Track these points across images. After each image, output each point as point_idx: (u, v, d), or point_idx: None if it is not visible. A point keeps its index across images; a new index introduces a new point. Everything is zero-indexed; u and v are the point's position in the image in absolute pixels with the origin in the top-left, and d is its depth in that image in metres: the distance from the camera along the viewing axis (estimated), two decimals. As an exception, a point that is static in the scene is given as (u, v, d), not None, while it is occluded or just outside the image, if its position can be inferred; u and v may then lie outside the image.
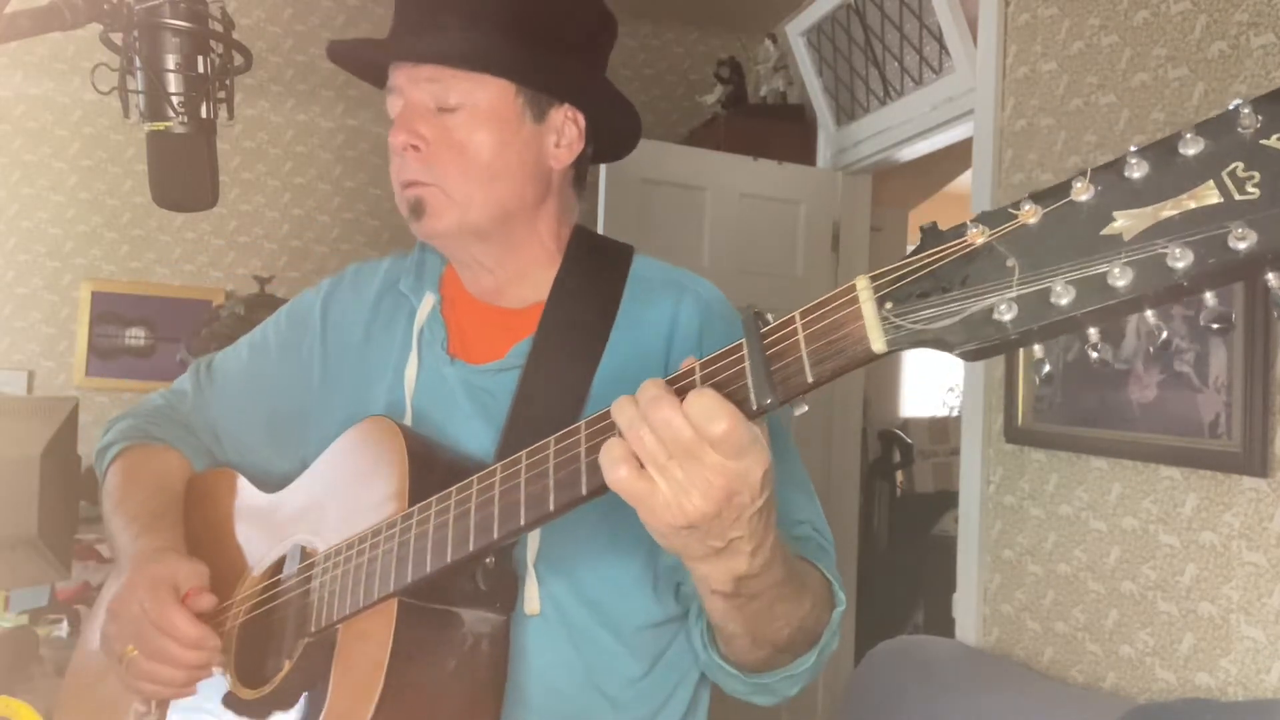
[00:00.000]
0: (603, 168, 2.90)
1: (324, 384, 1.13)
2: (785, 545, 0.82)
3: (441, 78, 1.00)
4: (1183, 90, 1.83)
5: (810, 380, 0.66)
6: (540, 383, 1.01)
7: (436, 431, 1.02)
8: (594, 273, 1.08)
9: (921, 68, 2.82)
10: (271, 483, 1.14)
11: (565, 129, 1.06)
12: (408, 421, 1.03)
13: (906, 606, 4.10)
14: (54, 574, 1.90)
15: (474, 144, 1.00)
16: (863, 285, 0.64)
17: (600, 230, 2.88)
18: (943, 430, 4.62)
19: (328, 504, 1.02)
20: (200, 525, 1.13)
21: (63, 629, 2.06)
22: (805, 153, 3.40)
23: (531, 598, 0.96)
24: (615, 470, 0.71)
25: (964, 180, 3.99)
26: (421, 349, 1.07)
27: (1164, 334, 0.57)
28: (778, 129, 3.44)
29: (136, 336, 3.68)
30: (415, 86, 1.01)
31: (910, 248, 0.66)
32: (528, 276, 1.08)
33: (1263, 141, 0.53)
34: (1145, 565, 1.85)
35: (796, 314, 0.68)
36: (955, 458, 2.74)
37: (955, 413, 4.64)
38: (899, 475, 4.46)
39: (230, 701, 1.00)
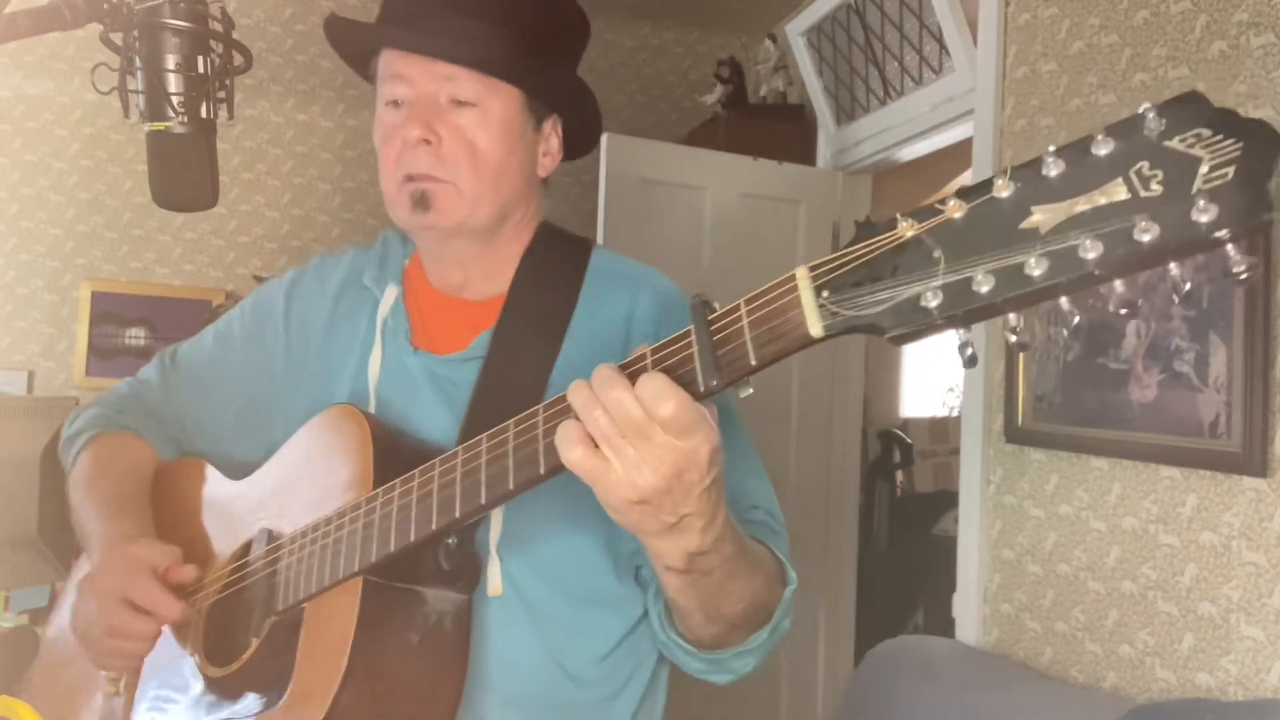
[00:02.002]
0: (602, 168, 2.90)
1: (287, 373, 1.16)
2: (736, 524, 0.86)
3: (459, 77, 1.03)
4: (1182, 90, 1.82)
5: (754, 363, 0.71)
6: (501, 372, 1.04)
7: (400, 419, 1.05)
8: (554, 266, 1.12)
9: (921, 68, 2.82)
10: (240, 471, 1.16)
11: (551, 138, 1.12)
12: (371, 410, 1.06)
13: (906, 606, 4.10)
14: (54, 574, 1.90)
15: (484, 144, 1.04)
16: (802, 275, 0.69)
17: (600, 230, 2.89)
18: (943, 430, 4.61)
19: (293, 489, 1.05)
20: (169, 514, 1.15)
21: (63, 629, 2.06)
22: (805, 153, 3.40)
23: (494, 579, 0.99)
24: (571, 450, 0.75)
25: (964, 180, 3.99)
26: (385, 340, 1.10)
27: (1076, 318, 0.62)
28: (778, 129, 3.44)
29: (136, 336, 3.67)
30: (430, 80, 1.03)
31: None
32: (496, 273, 1.12)
33: (1165, 143, 0.58)
34: (1145, 565, 1.85)
35: (742, 301, 0.72)
36: (955, 458, 2.74)
37: (955, 413, 4.64)
38: (899, 475, 4.45)
39: (199, 680, 1.03)
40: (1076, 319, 0.62)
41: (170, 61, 0.93)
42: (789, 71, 3.54)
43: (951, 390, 4.80)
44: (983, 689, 1.95)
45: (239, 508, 1.11)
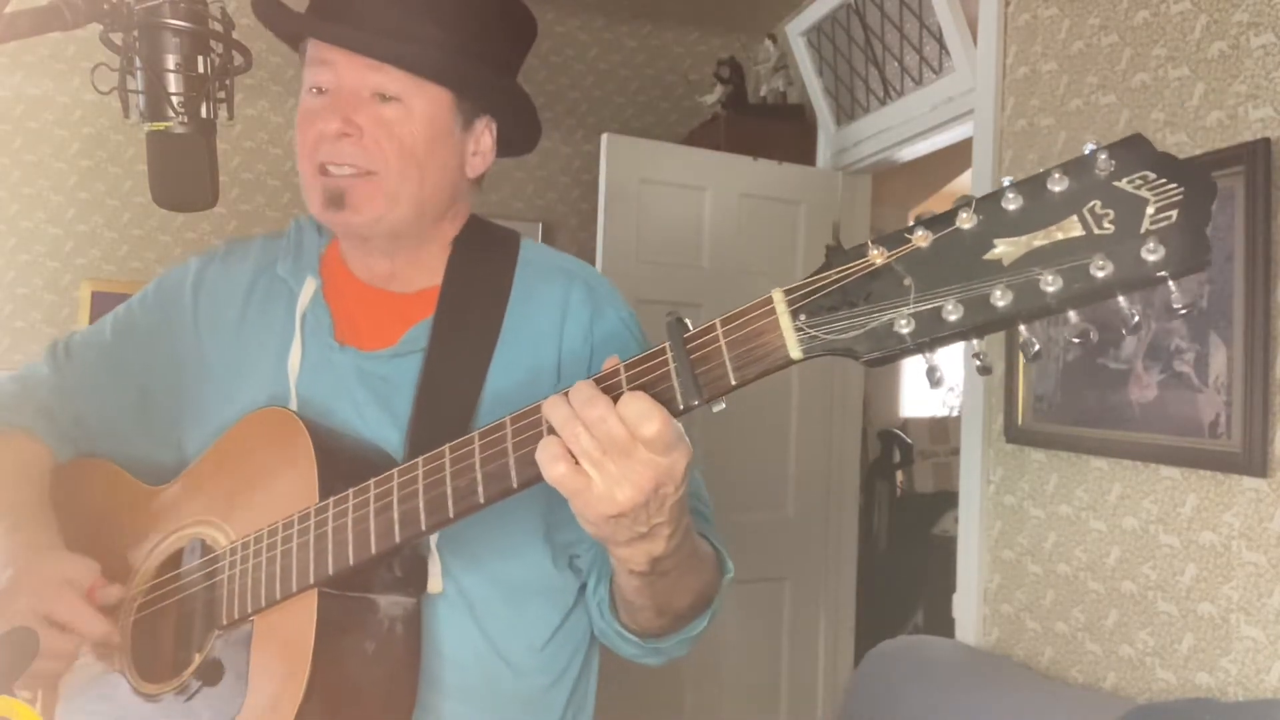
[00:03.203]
0: (603, 168, 2.90)
1: (199, 366, 1.11)
2: (691, 524, 0.88)
3: (385, 69, 1.00)
4: (1183, 90, 1.83)
5: (734, 382, 0.73)
6: (443, 367, 1.02)
7: (326, 417, 1.02)
8: (485, 258, 1.11)
9: (921, 68, 2.82)
10: (148, 472, 1.11)
11: (482, 138, 1.09)
12: (293, 409, 1.03)
13: (906, 606, 4.11)
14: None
15: (407, 141, 1.01)
16: (779, 298, 0.72)
17: (600, 230, 2.89)
18: (943, 430, 4.62)
19: (227, 497, 1.01)
20: (74, 520, 1.08)
21: (63, 629, 2.06)
22: (805, 153, 3.40)
23: (435, 577, 0.98)
24: (554, 467, 0.76)
25: (964, 180, 3.99)
26: (305, 335, 1.06)
27: (1036, 347, 0.67)
28: (778, 129, 3.44)
29: (136, 336, 3.67)
30: (354, 72, 1.00)
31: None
32: (424, 265, 1.10)
33: (1115, 184, 0.62)
34: (1145, 565, 1.85)
35: (717, 321, 0.74)
36: (955, 458, 2.74)
37: (955, 413, 4.64)
38: (899, 475, 4.46)
39: (133, 697, 0.99)
40: (1036, 348, 0.67)
41: (170, 61, 0.93)
42: (789, 71, 3.54)
43: (951, 390, 4.80)
44: (983, 689, 1.95)
45: (156, 515, 1.06)
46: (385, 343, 1.06)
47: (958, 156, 2.98)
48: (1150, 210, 0.61)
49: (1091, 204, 0.63)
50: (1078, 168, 0.64)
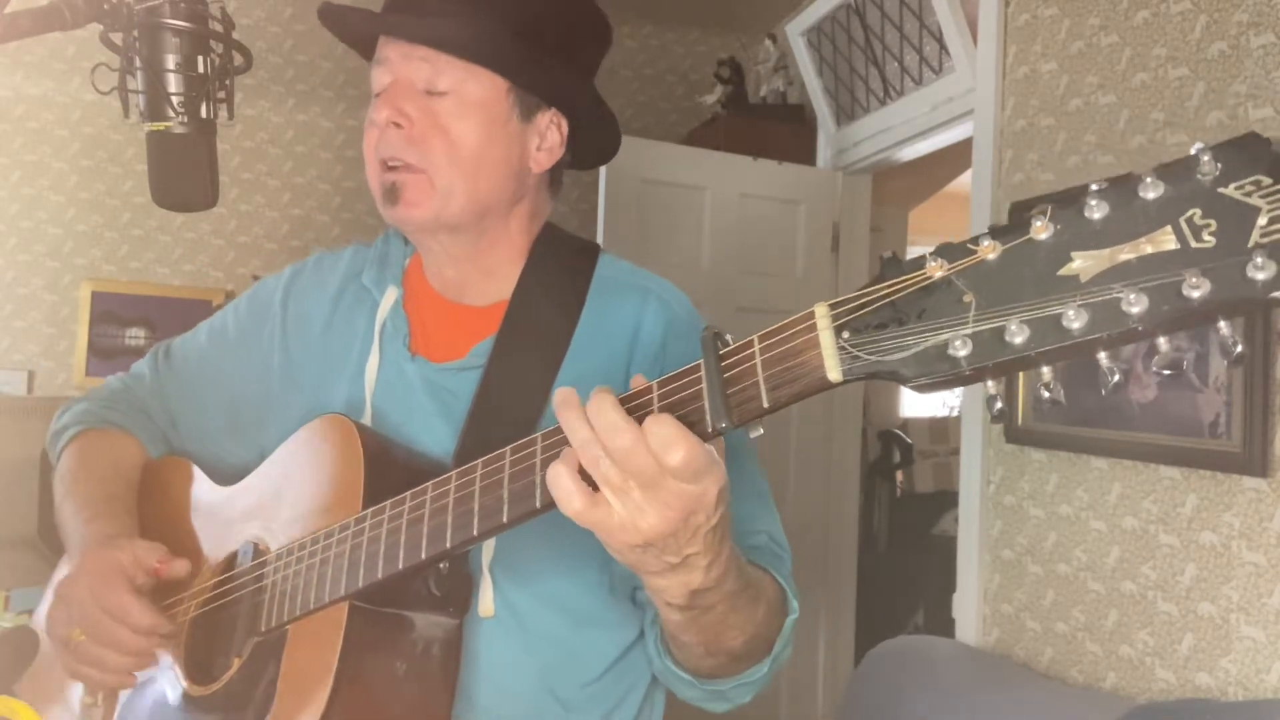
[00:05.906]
0: (603, 168, 2.90)
1: (283, 374, 1.12)
2: (739, 555, 0.83)
3: (435, 60, 0.99)
4: (1183, 90, 1.83)
5: (766, 405, 0.66)
6: (502, 383, 1.00)
7: (396, 430, 1.01)
8: (559, 272, 1.07)
9: (921, 68, 2.82)
10: (228, 473, 1.12)
11: (549, 133, 1.06)
12: (367, 418, 1.02)
13: (906, 606, 4.10)
14: (54, 574, 1.90)
15: (459, 131, 1.00)
16: (822, 313, 0.65)
17: (600, 230, 2.89)
18: (943, 430, 4.62)
19: (282, 501, 1.01)
20: (154, 514, 1.11)
21: (63, 629, 2.06)
22: (805, 153, 3.40)
23: (486, 601, 0.95)
24: (570, 503, 0.70)
25: (964, 180, 3.99)
26: (383, 344, 1.06)
27: (1115, 376, 0.58)
28: (778, 129, 3.44)
29: (136, 336, 3.67)
30: (407, 63, 1.00)
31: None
32: (494, 274, 1.08)
33: (1221, 190, 0.54)
34: (1145, 565, 1.85)
35: (755, 337, 0.68)
36: (955, 458, 2.75)
37: (955, 413, 4.64)
38: (899, 475, 4.46)
39: (179, 697, 0.99)
40: (1116, 378, 0.58)
41: (170, 61, 0.93)
42: (789, 71, 3.54)
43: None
44: (983, 689, 1.95)
45: (225, 515, 1.07)
46: (455, 355, 1.04)
47: (958, 156, 2.98)
48: (1262, 220, 0.52)
49: (1190, 213, 0.54)
50: (1177, 171, 0.55)
